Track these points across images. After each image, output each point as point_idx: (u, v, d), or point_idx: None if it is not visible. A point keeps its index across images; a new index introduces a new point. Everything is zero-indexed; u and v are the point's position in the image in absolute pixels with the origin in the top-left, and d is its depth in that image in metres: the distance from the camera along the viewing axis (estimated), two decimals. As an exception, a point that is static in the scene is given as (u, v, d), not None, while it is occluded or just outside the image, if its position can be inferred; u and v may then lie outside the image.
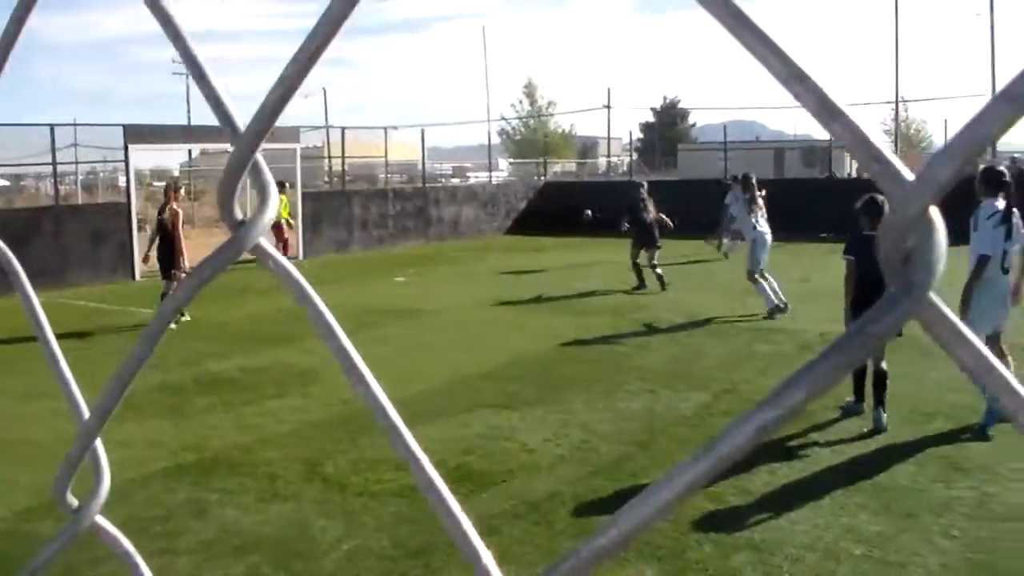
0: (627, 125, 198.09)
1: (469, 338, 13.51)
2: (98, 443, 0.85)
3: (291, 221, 24.70)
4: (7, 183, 40.74)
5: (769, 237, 15.37)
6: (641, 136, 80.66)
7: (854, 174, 45.78)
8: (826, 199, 25.66)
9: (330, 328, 0.63)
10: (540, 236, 29.69)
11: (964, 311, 8.52)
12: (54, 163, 22.78)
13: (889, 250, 0.45)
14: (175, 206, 15.15)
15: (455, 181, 47.51)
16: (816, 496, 7.05)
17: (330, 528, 6.66)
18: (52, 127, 21.96)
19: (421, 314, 15.76)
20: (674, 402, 9.68)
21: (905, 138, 61.47)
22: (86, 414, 0.85)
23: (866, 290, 8.56)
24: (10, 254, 0.99)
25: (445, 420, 9.13)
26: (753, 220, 15.37)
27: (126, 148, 22.41)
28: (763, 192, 16.14)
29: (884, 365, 8.77)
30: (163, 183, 21.33)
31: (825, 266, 18.14)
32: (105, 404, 0.79)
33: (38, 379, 10.27)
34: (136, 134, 22.72)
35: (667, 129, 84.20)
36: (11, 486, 7.55)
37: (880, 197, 9.09)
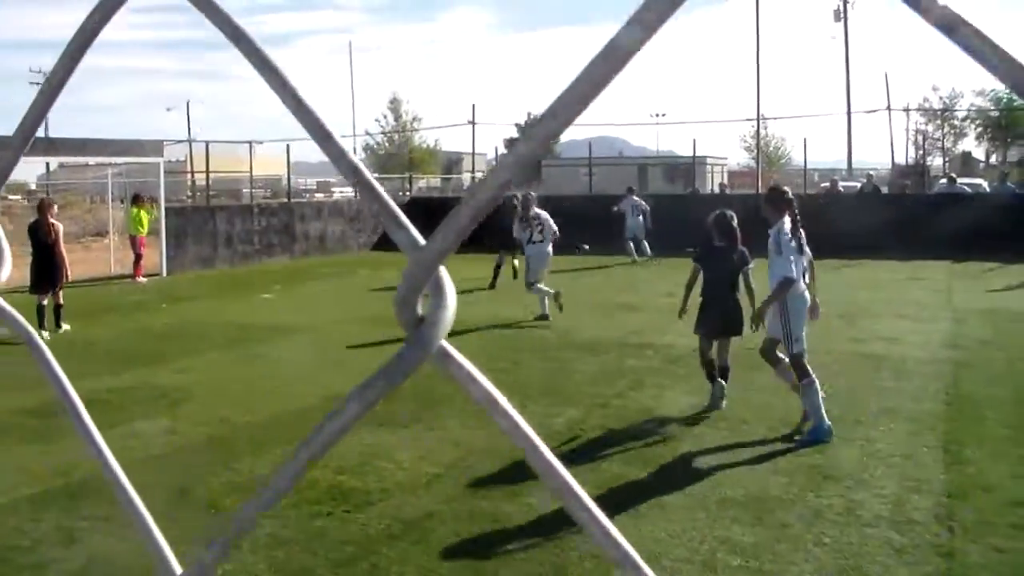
0: (492, 141, 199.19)
1: (340, 355, 13.36)
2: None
3: (141, 229, 23.96)
4: None
5: (549, 250, 16.45)
6: (506, 152, 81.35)
7: (716, 190, 46.77)
8: (689, 213, 26.06)
9: (530, 441, 0.60)
10: (408, 252, 29.53)
11: (757, 327, 9.08)
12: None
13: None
14: (52, 220, 15.37)
15: (320, 196, 47.19)
16: (691, 508, 7.15)
17: (204, 553, 6.50)
18: None
19: (290, 331, 15.54)
20: (546, 418, 9.70)
21: (765, 155, 63.02)
22: None
23: (714, 291, 9.67)
24: None
25: (319, 439, 8.98)
26: (527, 235, 16.45)
27: (-22, 161, 21.61)
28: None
29: (728, 362, 9.77)
30: (18, 196, 20.81)
31: (690, 281, 18.43)
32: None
33: None
34: (-12, 146, 21.92)
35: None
36: None
37: (729, 212, 9.55)
